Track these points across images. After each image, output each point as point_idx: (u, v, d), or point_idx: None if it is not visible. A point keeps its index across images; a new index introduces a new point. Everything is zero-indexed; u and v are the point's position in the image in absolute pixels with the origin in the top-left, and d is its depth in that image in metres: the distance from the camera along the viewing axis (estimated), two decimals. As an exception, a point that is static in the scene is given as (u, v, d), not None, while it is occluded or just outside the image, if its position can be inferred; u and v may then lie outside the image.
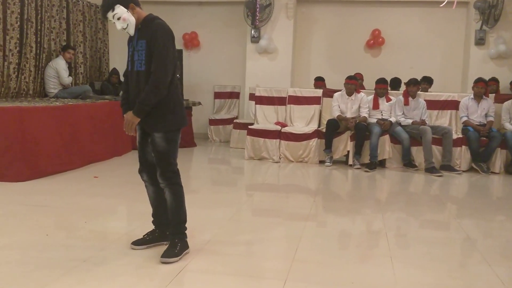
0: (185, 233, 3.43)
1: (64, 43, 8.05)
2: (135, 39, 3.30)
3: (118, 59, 9.57)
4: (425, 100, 7.47)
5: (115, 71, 8.92)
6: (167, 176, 3.33)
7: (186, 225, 3.43)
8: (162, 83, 3.17)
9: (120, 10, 3.21)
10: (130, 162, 7.20)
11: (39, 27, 7.47)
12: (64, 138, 6.15)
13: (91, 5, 8.93)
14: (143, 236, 3.56)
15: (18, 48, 7.05)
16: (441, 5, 7.77)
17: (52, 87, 7.59)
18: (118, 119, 7.35)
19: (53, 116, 6.01)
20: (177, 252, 3.31)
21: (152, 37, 3.19)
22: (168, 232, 3.47)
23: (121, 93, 8.84)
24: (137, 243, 3.51)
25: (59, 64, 7.58)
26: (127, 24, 3.25)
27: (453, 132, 7.31)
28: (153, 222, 3.58)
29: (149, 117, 3.25)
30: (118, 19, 3.22)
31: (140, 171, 3.48)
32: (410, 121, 7.28)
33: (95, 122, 6.83)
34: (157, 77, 3.16)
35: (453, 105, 7.63)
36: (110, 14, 3.23)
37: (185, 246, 3.38)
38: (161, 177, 3.33)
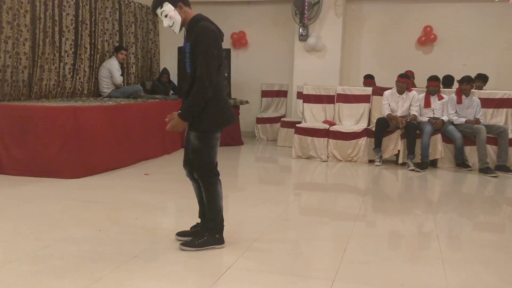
0: (216, 229, 3.48)
1: (116, 44, 8.26)
2: (185, 41, 3.37)
3: (168, 59, 9.74)
4: (479, 98, 7.22)
5: (165, 71, 9.08)
6: (200, 174, 3.43)
7: (231, 224, 3.47)
8: (205, 89, 3.20)
9: (168, 8, 3.31)
10: (179, 160, 7.27)
11: (93, 29, 7.69)
12: (117, 136, 6.32)
13: (142, 7, 9.13)
14: (190, 228, 3.65)
15: (73, 49, 7.29)
16: (497, 0, 7.50)
17: (106, 87, 7.81)
18: (168, 117, 7.50)
19: (106, 115, 6.19)
20: (197, 244, 3.42)
21: (195, 41, 3.24)
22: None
23: (171, 92, 9.04)
24: (182, 234, 3.64)
25: (112, 65, 7.78)
26: (173, 22, 3.33)
27: (509, 131, 7.04)
28: (199, 214, 3.64)
29: None
30: (166, 16, 3.34)
31: (184, 166, 3.58)
32: (463, 119, 7.06)
33: (145, 120, 6.98)
34: (201, 82, 3.20)
35: (509, 103, 7.33)
36: (158, 11, 3.36)
37: (211, 242, 3.45)
38: (196, 173, 3.46)
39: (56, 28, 6.91)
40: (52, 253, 3.31)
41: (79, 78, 7.45)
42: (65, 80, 7.18)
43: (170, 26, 3.37)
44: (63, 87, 7.15)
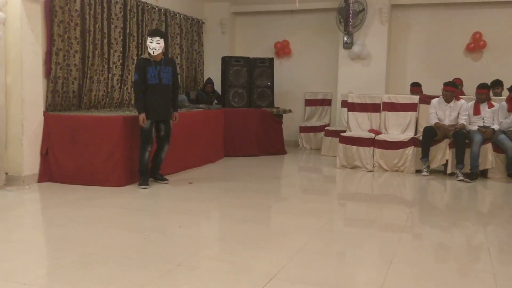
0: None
1: (162, 55, 8.41)
2: (162, 65, 5.87)
3: (212, 69, 9.82)
4: (533, 106, 6.93)
5: (209, 81, 9.18)
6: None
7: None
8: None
9: (163, 42, 5.75)
10: (223, 168, 7.38)
11: (140, 41, 7.87)
12: (162, 145, 6.39)
13: (187, 18, 9.28)
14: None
15: (121, 61, 7.47)
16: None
17: (152, 97, 7.94)
18: (211, 127, 7.60)
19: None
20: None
21: (175, 67, 6.11)
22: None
23: (214, 102, 9.04)
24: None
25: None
26: (159, 50, 5.75)
27: None
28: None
29: None
30: (158, 44, 5.70)
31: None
32: None
33: (189, 130, 7.06)
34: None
35: None
36: (157, 38, 5.70)
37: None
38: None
39: (105, 41, 7.10)
40: (98, 260, 3.38)
41: (127, 88, 7.62)
42: (113, 91, 7.36)
43: (155, 49, 5.67)
44: (112, 98, 7.33)
